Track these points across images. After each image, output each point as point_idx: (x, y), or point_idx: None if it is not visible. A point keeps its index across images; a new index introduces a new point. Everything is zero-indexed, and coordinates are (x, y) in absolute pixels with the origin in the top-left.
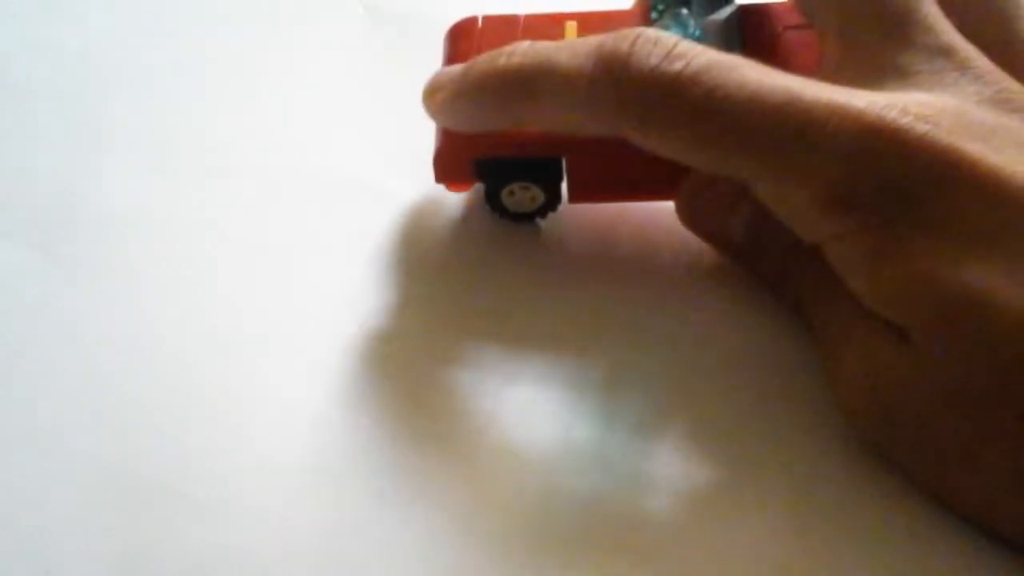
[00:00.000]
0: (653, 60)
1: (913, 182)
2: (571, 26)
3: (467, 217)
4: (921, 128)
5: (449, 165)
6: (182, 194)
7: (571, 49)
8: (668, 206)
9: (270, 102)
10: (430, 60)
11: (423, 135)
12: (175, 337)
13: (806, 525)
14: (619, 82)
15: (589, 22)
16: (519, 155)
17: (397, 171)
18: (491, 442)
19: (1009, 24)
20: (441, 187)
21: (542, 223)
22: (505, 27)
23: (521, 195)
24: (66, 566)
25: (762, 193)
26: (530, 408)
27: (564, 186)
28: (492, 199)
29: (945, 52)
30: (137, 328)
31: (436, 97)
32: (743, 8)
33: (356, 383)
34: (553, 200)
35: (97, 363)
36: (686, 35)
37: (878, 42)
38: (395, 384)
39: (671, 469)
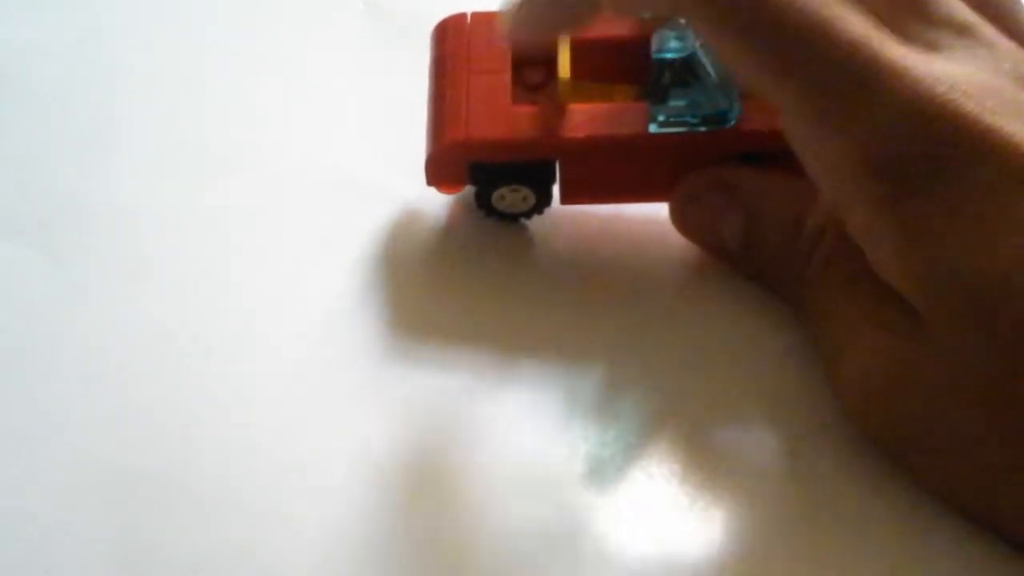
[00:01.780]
0: None
1: (953, 159)
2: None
3: (464, 216)
4: (968, 106)
5: (442, 168)
6: (184, 192)
7: None
8: (660, 206)
9: (271, 100)
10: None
11: (423, 133)
12: (177, 335)
13: (806, 524)
14: None
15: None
16: (512, 159)
17: (397, 169)
18: (489, 444)
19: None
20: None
21: (527, 223)
22: (494, 24)
23: (512, 197)
24: (66, 564)
25: (798, 132)
26: (527, 411)
27: (556, 188)
28: (482, 201)
29: (969, 29)
30: (139, 326)
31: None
32: None
33: (357, 382)
34: (544, 202)
35: (99, 361)
36: (685, 48)
37: (905, 19)
38: (394, 385)
39: (668, 469)
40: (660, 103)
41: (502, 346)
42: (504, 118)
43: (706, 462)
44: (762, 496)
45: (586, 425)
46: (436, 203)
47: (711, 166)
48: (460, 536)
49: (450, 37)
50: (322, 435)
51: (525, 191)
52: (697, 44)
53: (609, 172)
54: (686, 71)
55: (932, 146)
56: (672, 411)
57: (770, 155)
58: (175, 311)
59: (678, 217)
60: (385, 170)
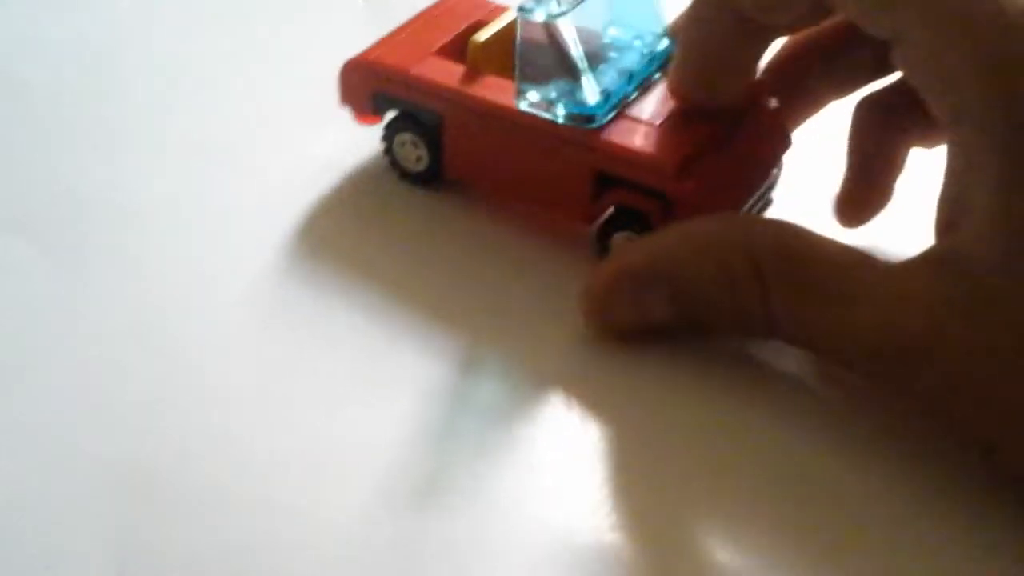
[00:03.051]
0: None
1: None
2: None
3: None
4: None
5: (349, 88)
6: (182, 188)
7: None
8: None
9: (271, 96)
10: None
11: None
12: (176, 330)
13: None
14: None
15: None
16: (407, 97)
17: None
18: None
19: None
20: (453, 186)
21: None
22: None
23: (410, 151)
24: (65, 560)
25: (916, 52)
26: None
27: None
28: (388, 147)
29: None
30: (138, 321)
31: None
32: None
33: (354, 378)
34: (435, 165)
35: (97, 357)
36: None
37: None
38: (393, 378)
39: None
40: (531, 83)
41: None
42: (417, 60)
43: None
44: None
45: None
46: (441, 198)
47: (596, 271)
48: (460, 532)
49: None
50: (321, 432)
51: (421, 149)
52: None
53: (483, 144)
54: (559, 59)
55: None
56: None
57: (621, 181)
58: (175, 305)
59: (595, 313)
60: (385, 169)
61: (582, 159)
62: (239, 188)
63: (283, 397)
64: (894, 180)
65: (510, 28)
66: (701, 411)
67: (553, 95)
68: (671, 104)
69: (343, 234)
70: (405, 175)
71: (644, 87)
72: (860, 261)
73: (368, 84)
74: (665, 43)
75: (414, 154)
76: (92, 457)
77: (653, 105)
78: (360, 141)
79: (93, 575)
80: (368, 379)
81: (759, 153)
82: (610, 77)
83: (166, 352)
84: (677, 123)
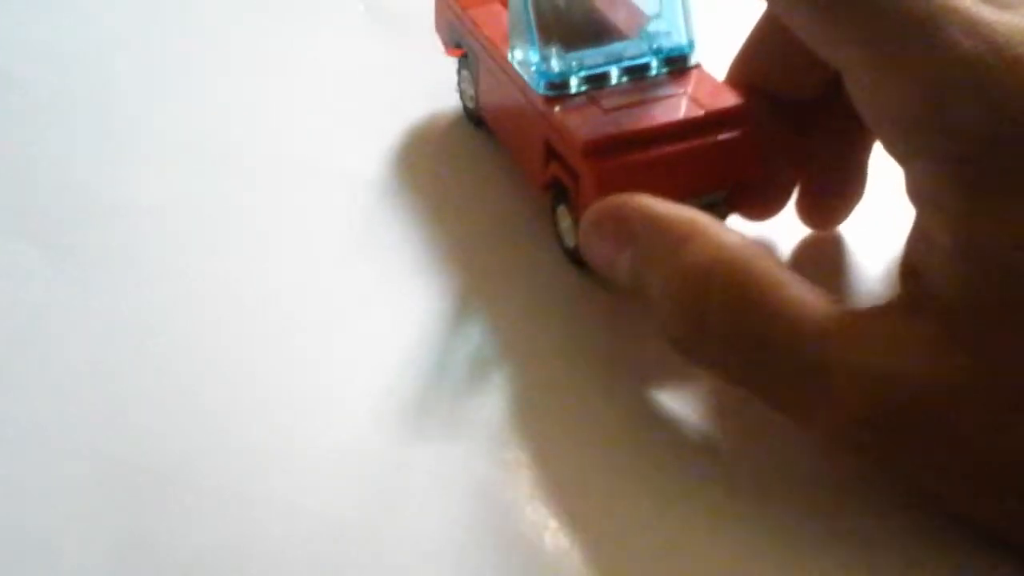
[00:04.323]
0: None
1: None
2: None
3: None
4: None
5: (438, 17)
6: (184, 188)
7: None
8: None
9: (271, 99)
10: (431, 58)
11: (423, 132)
12: (178, 329)
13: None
14: None
15: None
16: (460, 33)
17: (397, 169)
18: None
19: None
20: (445, 187)
21: None
22: None
23: (467, 88)
24: (67, 559)
25: (861, 81)
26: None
27: None
28: (458, 84)
29: None
30: (139, 321)
31: None
32: None
33: (354, 377)
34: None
35: (98, 356)
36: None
37: None
38: (391, 380)
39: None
40: (517, 40)
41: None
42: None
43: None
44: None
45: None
46: (440, 199)
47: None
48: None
49: None
50: (320, 431)
51: (471, 87)
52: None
53: (494, 90)
54: (538, 24)
55: (1003, 104)
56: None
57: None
58: (177, 304)
59: (582, 241)
60: (385, 168)
61: (537, 125)
62: (239, 188)
63: (287, 397)
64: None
65: None
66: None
67: (531, 57)
68: (649, 99)
69: (340, 229)
70: (468, 114)
71: (639, 77)
72: (827, 323)
73: (445, 16)
74: (680, 40)
75: (469, 92)
76: (93, 458)
77: (627, 94)
78: (361, 140)
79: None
80: (370, 378)
81: (706, 166)
82: (595, 55)
83: (167, 353)
84: (629, 113)
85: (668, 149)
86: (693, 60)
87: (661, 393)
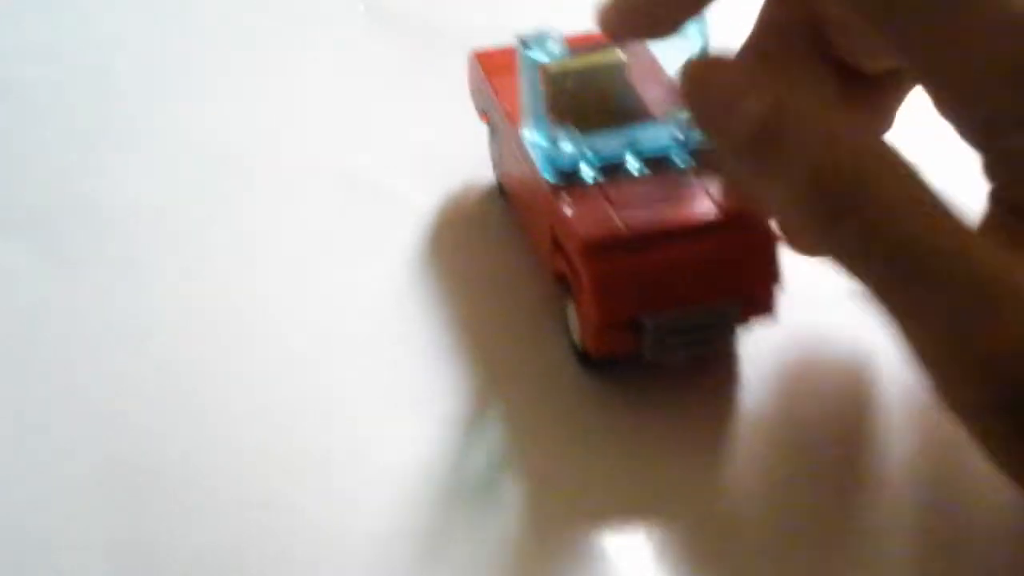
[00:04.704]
0: None
1: None
2: None
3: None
4: None
5: (470, 80)
6: (181, 191)
7: None
8: None
9: (270, 100)
10: (431, 59)
11: (423, 133)
12: (176, 332)
13: None
14: None
15: None
16: (482, 99)
17: (396, 169)
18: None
19: None
20: (443, 189)
21: None
22: None
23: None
24: (66, 560)
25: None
26: None
27: None
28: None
29: None
30: (137, 323)
31: None
32: None
33: (352, 377)
34: None
35: (97, 358)
36: None
37: None
38: (390, 378)
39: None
40: (529, 118)
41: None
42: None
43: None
44: None
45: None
46: (437, 201)
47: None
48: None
49: None
50: (323, 426)
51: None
52: None
53: (509, 162)
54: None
55: None
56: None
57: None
58: (174, 307)
59: (694, 70)
60: (385, 169)
61: (545, 212)
62: (240, 188)
63: (287, 396)
64: None
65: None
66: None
67: (540, 139)
68: (665, 194)
69: (338, 228)
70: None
71: (661, 169)
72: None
73: (474, 80)
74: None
75: (496, 161)
76: (93, 459)
77: (643, 187)
78: (361, 140)
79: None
80: (370, 378)
81: (720, 274)
82: (612, 141)
83: (166, 354)
84: (640, 210)
85: (678, 253)
86: None
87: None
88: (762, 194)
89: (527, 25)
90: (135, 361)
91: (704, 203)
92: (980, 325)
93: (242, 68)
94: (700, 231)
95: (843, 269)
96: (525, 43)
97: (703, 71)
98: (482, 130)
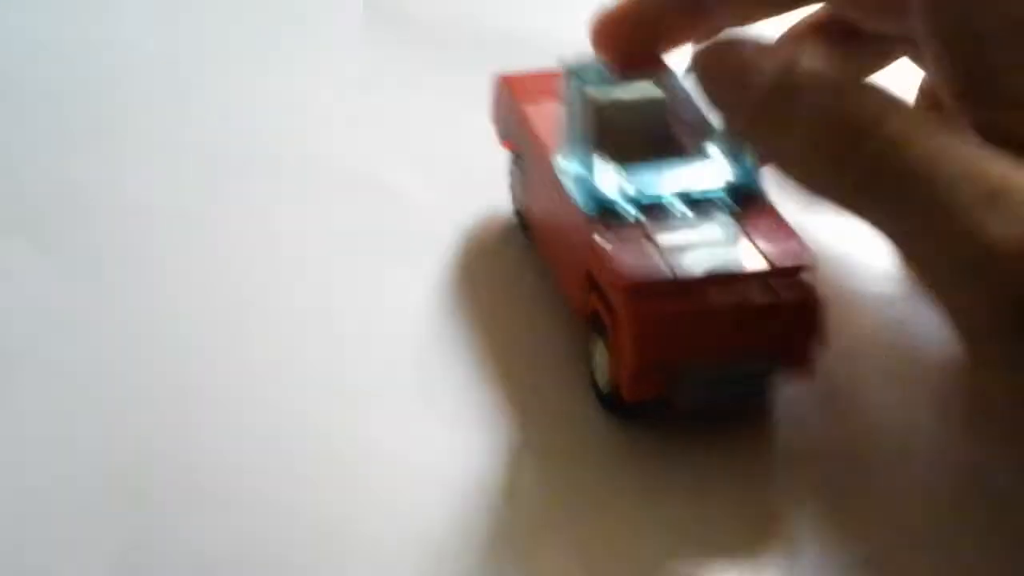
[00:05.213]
0: None
1: None
2: None
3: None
4: None
5: (494, 105)
6: (183, 189)
7: None
8: None
9: (270, 98)
10: (430, 58)
11: (423, 132)
12: (178, 330)
13: None
14: None
15: None
16: (505, 126)
17: (395, 166)
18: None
19: None
20: (439, 186)
21: None
22: None
23: (516, 185)
24: (65, 561)
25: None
26: None
27: None
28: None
29: None
30: (139, 322)
31: None
32: None
33: (352, 373)
34: None
35: (99, 357)
36: None
37: None
38: (395, 377)
39: None
40: (568, 145)
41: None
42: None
43: None
44: None
45: None
46: (436, 199)
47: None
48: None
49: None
50: (327, 426)
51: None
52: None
53: (537, 193)
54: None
55: None
56: None
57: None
58: (177, 305)
59: (704, 53)
60: (384, 167)
61: (580, 249)
62: (240, 189)
63: (287, 398)
64: None
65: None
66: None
67: (580, 171)
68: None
69: (335, 224)
70: (519, 219)
71: (702, 210)
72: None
73: (500, 106)
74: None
75: (519, 194)
76: (94, 458)
77: (685, 229)
78: (360, 139)
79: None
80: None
81: (764, 328)
82: (655, 178)
83: (169, 353)
84: (684, 254)
85: (721, 301)
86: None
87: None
88: (775, 152)
89: (526, 27)
90: (138, 362)
91: (749, 251)
92: (981, 225)
93: (241, 67)
94: (744, 280)
95: (851, 211)
96: (571, 70)
97: (713, 53)
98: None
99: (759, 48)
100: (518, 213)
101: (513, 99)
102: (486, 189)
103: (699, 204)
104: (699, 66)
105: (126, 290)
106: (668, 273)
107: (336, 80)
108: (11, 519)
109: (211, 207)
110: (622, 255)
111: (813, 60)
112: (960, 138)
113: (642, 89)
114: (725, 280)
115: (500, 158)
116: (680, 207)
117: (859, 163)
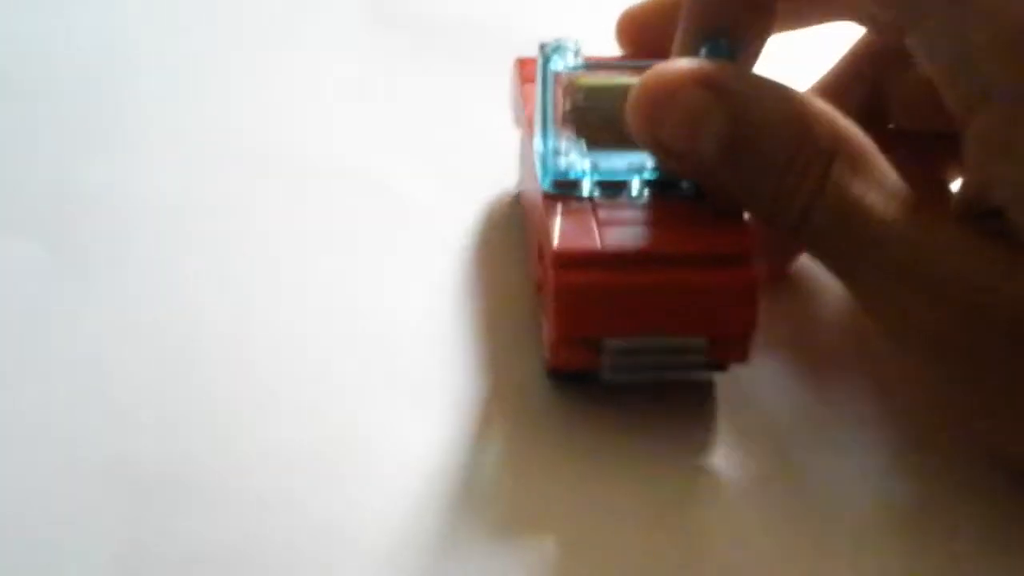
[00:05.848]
0: None
1: None
2: None
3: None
4: None
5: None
6: (184, 188)
7: None
8: None
9: (270, 97)
10: (431, 56)
11: (423, 131)
12: (178, 330)
13: None
14: None
15: None
16: None
17: (396, 165)
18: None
19: None
20: (444, 187)
21: None
22: None
23: None
24: (67, 560)
25: (931, 36)
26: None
27: None
28: None
29: None
30: (140, 321)
31: None
32: None
33: (354, 372)
34: None
35: (100, 356)
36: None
37: None
38: (393, 384)
39: None
40: (540, 125)
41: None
42: None
43: None
44: None
45: None
46: (440, 201)
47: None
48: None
49: None
50: (324, 425)
51: None
52: None
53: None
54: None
55: None
56: None
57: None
58: (178, 304)
59: (643, 114)
60: (385, 167)
61: (536, 222)
62: (241, 187)
63: (285, 396)
64: None
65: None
66: None
67: (542, 148)
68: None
69: (338, 224)
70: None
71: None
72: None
73: (512, 88)
74: None
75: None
76: (95, 458)
77: (636, 210)
78: (360, 139)
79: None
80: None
81: (690, 308)
82: (617, 160)
83: (170, 352)
84: (623, 231)
85: (649, 280)
86: None
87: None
88: (732, 198)
89: (529, 26)
90: (138, 361)
91: (691, 235)
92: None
93: (240, 64)
94: (676, 261)
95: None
96: (544, 50)
97: (659, 90)
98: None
99: (700, 78)
100: (518, 196)
101: (520, 81)
102: (487, 186)
103: (658, 188)
104: (641, 104)
105: (127, 289)
106: (598, 246)
107: (337, 78)
108: (11, 519)
109: (212, 205)
110: (562, 226)
111: (763, 104)
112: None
113: (617, 76)
114: (657, 258)
115: (501, 156)
116: (636, 189)
117: (819, 219)
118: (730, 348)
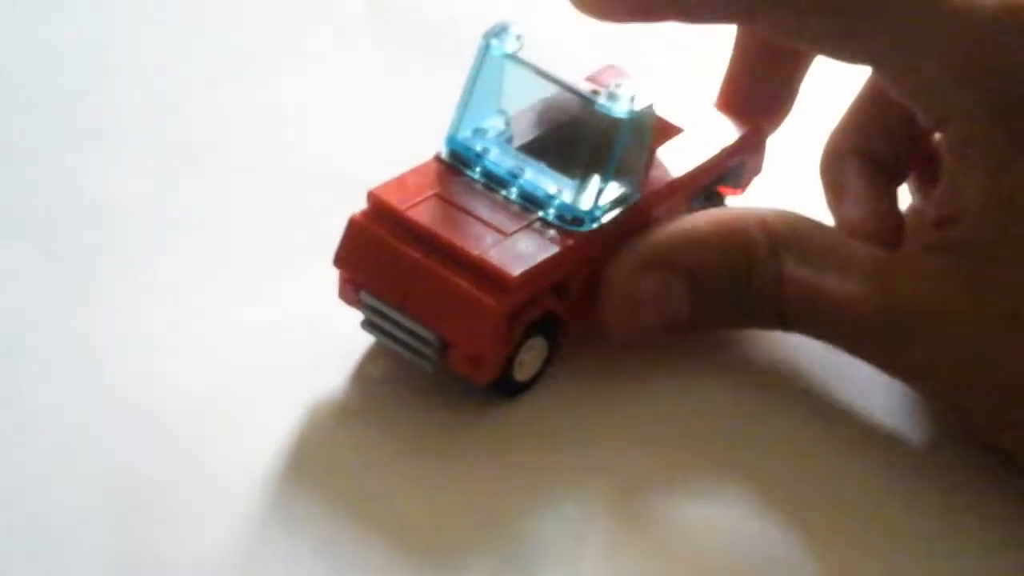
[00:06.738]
0: None
1: None
2: None
3: None
4: None
5: None
6: (182, 192)
7: None
8: None
9: (270, 98)
10: (431, 55)
11: (423, 131)
12: (174, 335)
13: None
14: None
15: None
16: None
17: (397, 165)
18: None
19: None
20: None
21: None
22: None
23: None
24: (64, 565)
25: (891, 64)
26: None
27: None
28: None
29: None
30: (138, 325)
31: None
32: None
33: (346, 389)
34: None
35: (96, 361)
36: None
37: None
38: (374, 396)
39: None
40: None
41: None
42: None
43: None
44: None
45: None
46: None
47: (622, 251)
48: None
49: None
50: (317, 438)
51: None
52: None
53: None
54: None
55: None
56: None
57: None
58: (174, 310)
59: (620, 320)
60: (385, 168)
61: None
62: (241, 192)
63: (280, 404)
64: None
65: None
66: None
67: (454, 117)
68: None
69: (335, 232)
70: None
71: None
72: (862, 245)
73: None
74: (580, 206)
75: None
76: (93, 461)
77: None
78: (361, 140)
79: None
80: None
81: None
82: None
83: (168, 357)
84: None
85: (413, 254)
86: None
87: None
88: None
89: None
90: (138, 362)
91: (486, 245)
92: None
93: (242, 68)
94: (448, 254)
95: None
96: (491, 32)
97: (622, 300)
98: None
99: (653, 265)
100: None
101: None
102: None
103: (531, 201)
104: (618, 306)
105: (126, 290)
106: (401, 209)
107: (337, 80)
108: (11, 519)
109: (211, 207)
110: (400, 178)
111: (700, 246)
112: None
113: (554, 87)
114: (435, 243)
115: None
116: (516, 194)
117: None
118: (472, 364)
